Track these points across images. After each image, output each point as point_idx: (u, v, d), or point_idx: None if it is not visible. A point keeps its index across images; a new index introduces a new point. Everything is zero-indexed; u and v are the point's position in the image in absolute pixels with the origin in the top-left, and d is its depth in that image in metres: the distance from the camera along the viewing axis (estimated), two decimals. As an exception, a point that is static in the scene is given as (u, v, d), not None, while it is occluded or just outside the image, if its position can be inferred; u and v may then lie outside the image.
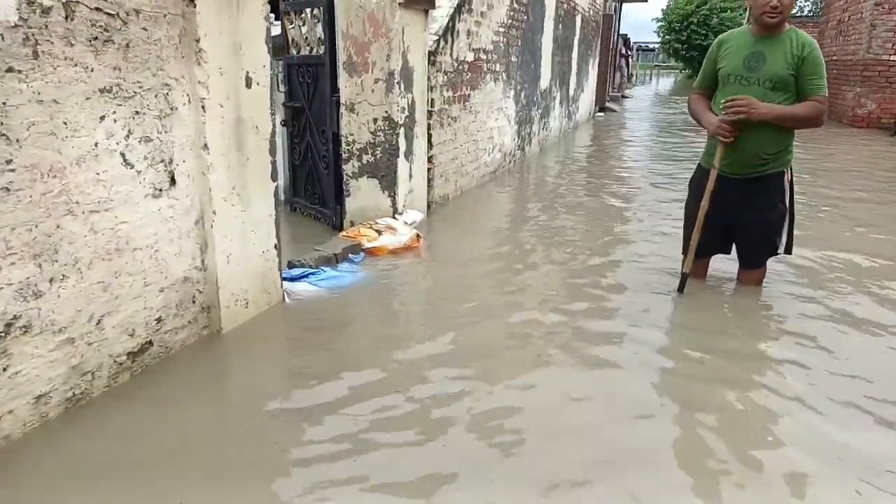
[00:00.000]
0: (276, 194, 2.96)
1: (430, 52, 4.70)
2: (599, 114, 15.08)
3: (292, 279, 3.26)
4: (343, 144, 4.37)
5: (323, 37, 4.34)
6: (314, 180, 4.81)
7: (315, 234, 4.43)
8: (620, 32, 21.25)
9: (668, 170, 7.51)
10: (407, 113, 4.34)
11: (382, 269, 3.69)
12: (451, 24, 5.08)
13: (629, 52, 25.26)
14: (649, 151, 9.36)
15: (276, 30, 4.96)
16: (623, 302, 3.27)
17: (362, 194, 4.40)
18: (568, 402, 2.32)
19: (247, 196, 2.77)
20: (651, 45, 51.92)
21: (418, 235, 4.11)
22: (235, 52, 2.60)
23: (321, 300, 3.18)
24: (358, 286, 3.39)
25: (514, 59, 6.99)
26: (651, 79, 40.12)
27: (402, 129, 4.30)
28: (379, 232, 4.00)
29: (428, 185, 4.94)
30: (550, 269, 3.82)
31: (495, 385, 2.42)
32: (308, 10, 4.45)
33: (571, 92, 11.06)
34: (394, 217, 4.30)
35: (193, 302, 2.61)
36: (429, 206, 5.02)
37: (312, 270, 3.36)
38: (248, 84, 2.70)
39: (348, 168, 4.40)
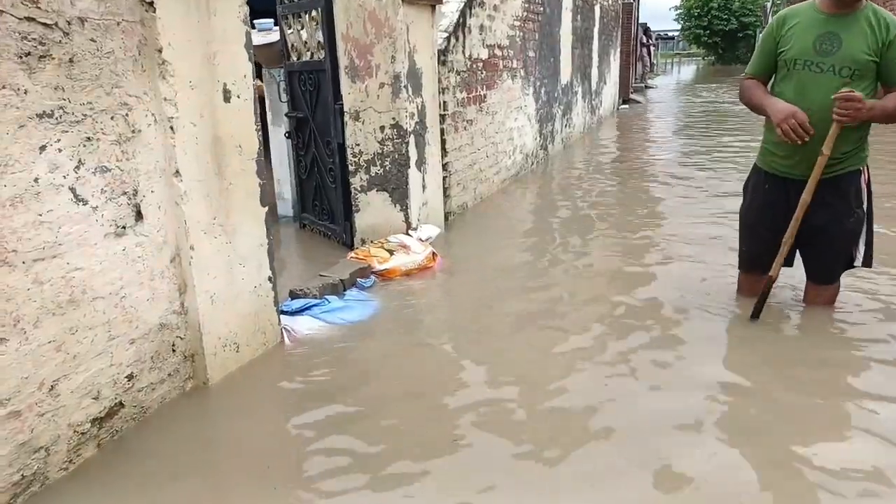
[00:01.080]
0: (267, 220, 2.61)
1: (439, 51, 4.33)
2: (624, 106, 14.57)
3: (293, 313, 2.91)
4: (349, 156, 4.02)
5: (322, 40, 3.99)
6: (322, 195, 4.47)
7: (325, 254, 4.09)
8: (640, 21, 20.64)
9: (703, 165, 7.02)
10: (417, 119, 3.97)
11: (396, 296, 3.32)
12: (461, 19, 4.70)
13: (650, 42, 24.58)
14: (680, 144, 8.86)
15: (276, 36, 4.64)
16: (684, 328, 2.81)
17: (372, 209, 4.04)
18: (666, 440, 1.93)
19: (231, 226, 2.41)
20: (670, 34, 50.92)
21: (434, 254, 3.73)
22: (208, 61, 2.25)
23: (326, 338, 2.82)
24: (369, 318, 3.02)
25: (531, 53, 6.58)
26: (672, 67, 39.21)
27: (412, 136, 3.93)
28: (391, 252, 3.63)
29: (444, 196, 4.56)
30: (588, 288, 3.41)
31: (568, 435, 2.04)
32: (306, 12, 4.10)
33: (594, 85, 10.59)
34: (407, 233, 3.92)
35: (173, 351, 2.27)
36: (446, 218, 4.64)
37: (316, 301, 3.00)
38: (227, 98, 2.35)
39: (356, 181, 4.04)
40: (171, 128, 2.13)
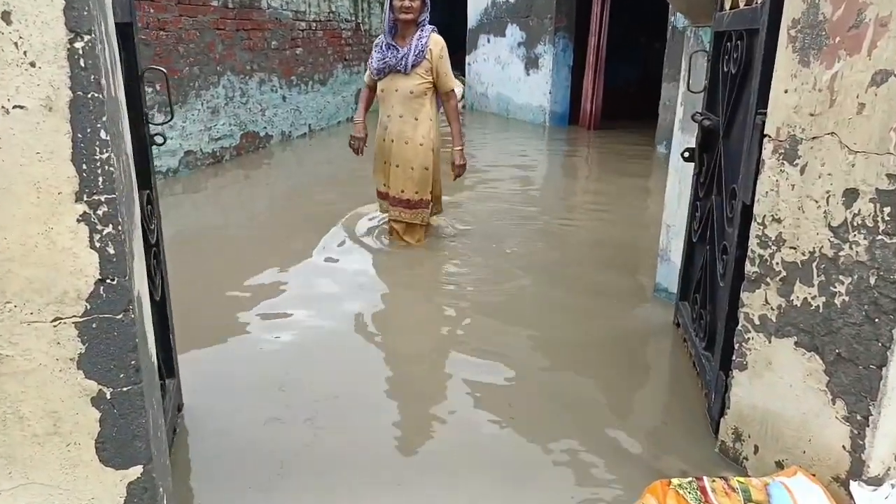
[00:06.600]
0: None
1: None
2: None
3: None
4: (753, 238, 1.69)
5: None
6: (706, 285, 2.23)
7: (655, 429, 1.97)
8: None
9: None
10: (981, 182, 1.33)
11: None
12: None
13: None
14: None
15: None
16: None
17: (773, 378, 1.65)
18: None
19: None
20: None
21: None
22: None
23: None
24: None
25: None
26: None
27: (946, 232, 1.34)
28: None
29: None
30: None
31: None
32: None
33: None
34: (846, 485, 1.45)
35: None
36: None
37: None
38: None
39: (754, 302, 1.69)
40: None
